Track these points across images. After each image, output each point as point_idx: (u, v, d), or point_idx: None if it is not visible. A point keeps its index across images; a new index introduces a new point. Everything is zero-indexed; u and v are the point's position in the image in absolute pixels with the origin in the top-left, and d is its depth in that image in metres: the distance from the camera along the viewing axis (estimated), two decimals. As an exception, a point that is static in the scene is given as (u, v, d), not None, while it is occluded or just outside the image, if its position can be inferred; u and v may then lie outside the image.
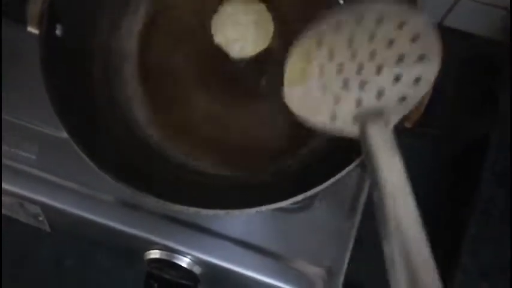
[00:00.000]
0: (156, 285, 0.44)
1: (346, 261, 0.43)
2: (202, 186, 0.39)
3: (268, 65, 0.43)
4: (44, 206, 0.45)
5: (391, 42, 0.28)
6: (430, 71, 0.28)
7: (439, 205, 0.48)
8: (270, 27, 0.41)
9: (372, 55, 0.28)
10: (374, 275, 0.53)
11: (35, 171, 0.45)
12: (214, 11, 0.42)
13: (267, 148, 0.42)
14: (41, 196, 0.44)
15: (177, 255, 0.43)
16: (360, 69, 0.28)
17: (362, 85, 0.29)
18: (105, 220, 0.44)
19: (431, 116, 0.34)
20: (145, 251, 0.45)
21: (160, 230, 0.43)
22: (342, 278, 0.42)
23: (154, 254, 0.44)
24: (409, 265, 0.25)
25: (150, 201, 0.33)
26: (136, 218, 0.43)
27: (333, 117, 0.30)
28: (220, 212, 0.32)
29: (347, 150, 0.34)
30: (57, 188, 0.44)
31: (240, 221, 0.44)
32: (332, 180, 0.33)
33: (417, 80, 0.28)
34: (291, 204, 0.43)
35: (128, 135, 0.41)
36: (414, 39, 0.27)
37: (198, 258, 0.43)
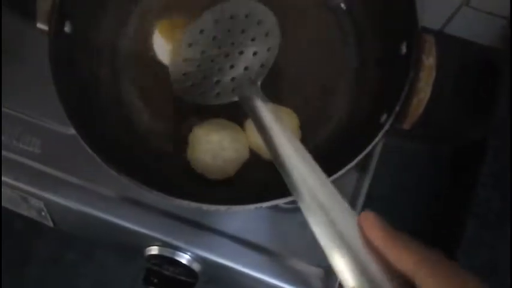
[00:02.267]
0: (155, 281, 0.45)
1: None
2: (204, 182, 0.39)
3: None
4: (47, 201, 0.46)
5: (243, 31, 0.39)
6: (275, 41, 0.39)
7: (436, 207, 0.49)
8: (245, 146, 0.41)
9: (232, 43, 0.39)
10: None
11: (39, 166, 0.45)
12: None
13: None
14: (45, 191, 0.45)
15: (177, 252, 0.44)
16: (226, 56, 0.39)
17: (232, 66, 0.38)
18: (107, 215, 0.44)
19: (429, 118, 0.35)
20: (146, 247, 0.45)
21: (160, 226, 0.44)
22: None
23: (154, 250, 0.44)
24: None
25: (152, 196, 0.33)
26: (138, 214, 0.44)
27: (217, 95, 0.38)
28: (221, 208, 0.33)
29: (345, 150, 0.35)
30: (60, 183, 0.45)
31: (239, 219, 0.44)
32: (330, 178, 0.33)
33: (268, 49, 0.38)
34: (290, 203, 0.44)
35: (131, 134, 0.41)
36: (259, 23, 0.39)
37: (197, 255, 0.43)
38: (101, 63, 0.42)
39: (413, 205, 0.45)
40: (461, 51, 0.54)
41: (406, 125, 0.33)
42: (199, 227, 0.44)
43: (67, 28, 0.37)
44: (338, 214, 0.27)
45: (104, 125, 0.39)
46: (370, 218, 0.25)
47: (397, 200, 0.48)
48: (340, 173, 0.32)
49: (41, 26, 0.36)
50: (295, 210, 0.44)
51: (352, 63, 0.43)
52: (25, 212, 0.51)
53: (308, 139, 0.41)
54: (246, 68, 0.38)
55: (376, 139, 0.32)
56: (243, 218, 0.44)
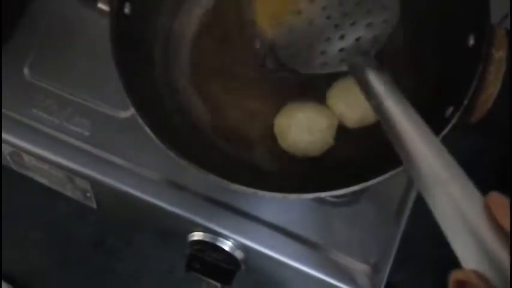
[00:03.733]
0: (198, 266, 0.45)
1: (391, 260, 0.42)
2: (261, 171, 0.39)
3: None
4: (93, 181, 0.46)
5: (358, 3, 0.37)
6: (393, 14, 0.36)
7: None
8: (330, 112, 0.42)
9: (344, 14, 0.37)
10: (412, 275, 0.53)
11: (87, 147, 0.46)
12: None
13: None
14: (91, 171, 0.45)
15: (219, 238, 0.44)
16: (336, 26, 0.37)
17: (342, 37, 0.37)
18: (152, 198, 0.44)
19: (494, 114, 0.34)
20: (189, 232, 0.45)
21: (205, 212, 0.44)
22: (385, 276, 0.42)
23: (198, 235, 0.45)
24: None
25: (209, 179, 0.33)
26: (183, 198, 0.44)
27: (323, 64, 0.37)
28: (278, 195, 0.32)
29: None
30: (107, 164, 0.45)
31: (284, 209, 0.44)
32: (384, 176, 0.33)
33: (385, 21, 0.36)
34: (339, 197, 0.43)
35: (185, 123, 0.41)
36: None
37: (240, 242, 0.43)
38: (155, 46, 0.42)
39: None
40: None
41: (473, 119, 0.32)
42: (243, 214, 0.44)
43: (127, 9, 0.38)
44: (458, 189, 0.25)
45: (160, 111, 0.40)
46: (498, 199, 0.23)
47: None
48: (385, 175, 0.32)
49: (102, 6, 0.37)
50: (341, 204, 0.44)
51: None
52: (69, 193, 0.51)
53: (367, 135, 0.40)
54: (357, 39, 0.36)
55: (443, 132, 0.31)
56: (288, 208, 0.44)
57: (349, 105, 0.40)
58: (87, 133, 0.46)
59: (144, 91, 0.38)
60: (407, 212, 0.44)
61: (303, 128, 0.40)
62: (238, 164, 0.40)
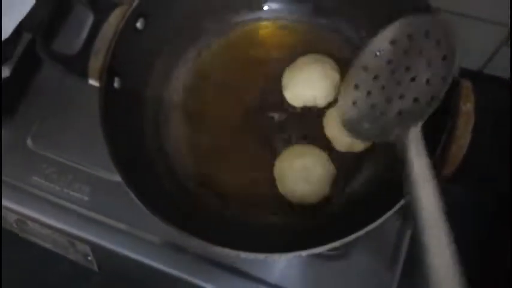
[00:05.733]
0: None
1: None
2: (243, 230, 0.40)
3: (308, 118, 0.45)
4: (93, 246, 0.47)
5: (421, 52, 0.34)
6: (451, 68, 0.33)
7: (477, 255, 0.46)
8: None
9: (408, 68, 0.34)
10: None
11: (87, 212, 0.47)
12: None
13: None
14: (92, 236, 0.46)
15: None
16: (398, 83, 0.35)
17: (401, 96, 0.34)
18: (152, 261, 0.45)
19: (468, 164, 0.34)
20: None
21: (205, 274, 0.44)
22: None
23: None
24: None
25: (194, 242, 0.34)
26: (182, 260, 0.44)
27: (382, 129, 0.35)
28: (260, 256, 0.33)
29: (386, 197, 0.34)
30: (107, 229, 0.46)
31: (278, 266, 0.44)
32: (371, 226, 0.33)
33: (443, 79, 0.33)
34: (329, 250, 0.43)
35: (174, 183, 0.42)
36: (438, 42, 0.33)
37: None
38: (145, 115, 0.44)
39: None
40: (501, 92, 0.53)
41: (446, 172, 0.32)
42: (238, 273, 0.44)
43: (116, 84, 0.40)
44: None
45: (149, 175, 0.41)
46: None
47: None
48: (380, 220, 0.32)
49: (93, 82, 0.39)
50: (334, 257, 0.44)
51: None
52: (72, 257, 0.52)
53: (345, 186, 0.41)
54: (415, 100, 0.33)
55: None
56: (282, 265, 0.44)
57: (341, 129, 0.41)
58: (86, 198, 0.47)
59: (133, 160, 0.39)
60: (401, 261, 0.43)
61: (300, 177, 0.41)
62: (226, 222, 0.41)
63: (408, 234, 0.43)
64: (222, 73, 0.47)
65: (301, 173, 0.41)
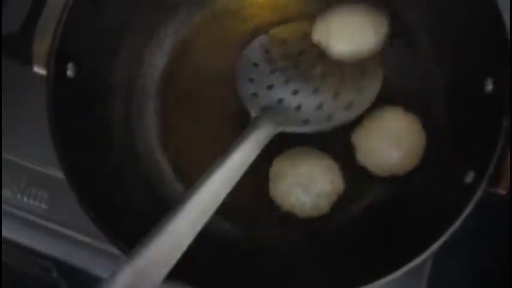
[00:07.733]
0: None
1: None
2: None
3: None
4: (57, 262, 0.42)
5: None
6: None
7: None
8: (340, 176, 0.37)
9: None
10: None
11: (45, 223, 0.41)
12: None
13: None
14: (53, 250, 0.41)
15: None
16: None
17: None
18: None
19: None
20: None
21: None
22: None
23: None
24: None
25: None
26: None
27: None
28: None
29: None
30: (68, 241, 0.41)
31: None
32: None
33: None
34: None
35: (148, 193, 0.37)
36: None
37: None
38: (113, 107, 0.38)
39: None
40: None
41: (502, 190, 0.25)
42: None
43: (70, 71, 0.33)
44: None
45: (115, 186, 0.35)
46: None
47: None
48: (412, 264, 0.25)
49: (38, 70, 0.32)
50: None
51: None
52: (36, 272, 0.46)
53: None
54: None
55: (467, 209, 0.24)
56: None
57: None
58: (44, 206, 0.41)
59: (93, 166, 0.32)
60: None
61: (299, 183, 0.35)
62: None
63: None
64: (207, 53, 0.41)
65: (300, 179, 0.35)
